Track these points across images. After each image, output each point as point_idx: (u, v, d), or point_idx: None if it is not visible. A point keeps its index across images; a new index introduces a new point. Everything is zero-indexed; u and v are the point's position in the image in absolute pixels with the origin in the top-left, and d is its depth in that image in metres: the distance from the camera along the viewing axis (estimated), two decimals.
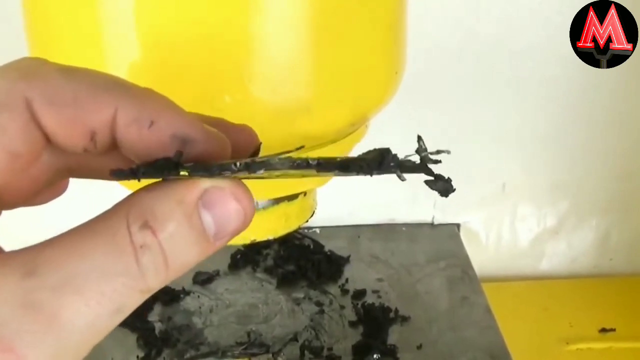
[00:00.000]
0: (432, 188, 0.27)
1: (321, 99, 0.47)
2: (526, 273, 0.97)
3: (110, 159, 0.28)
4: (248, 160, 0.26)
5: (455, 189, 0.27)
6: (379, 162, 0.27)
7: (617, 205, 0.95)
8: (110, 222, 0.25)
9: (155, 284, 0.25)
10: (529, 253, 0.97)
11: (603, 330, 0.83)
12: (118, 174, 0.26)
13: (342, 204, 0.91)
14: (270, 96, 0.46)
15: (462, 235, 0.93)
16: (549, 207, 0.95)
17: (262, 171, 0.25)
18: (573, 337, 0.82)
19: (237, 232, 0.27)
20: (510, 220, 0.95)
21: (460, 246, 0.89)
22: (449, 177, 0.27)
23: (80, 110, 0.26)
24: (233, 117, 0.45)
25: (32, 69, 0.26)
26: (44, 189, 0.29)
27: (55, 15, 0.47)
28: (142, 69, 0.45)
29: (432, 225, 0.93)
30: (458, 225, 0.94)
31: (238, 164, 0.25)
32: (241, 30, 0.44)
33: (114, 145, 0.27)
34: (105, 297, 0.24)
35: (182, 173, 0.26)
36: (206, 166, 0.26)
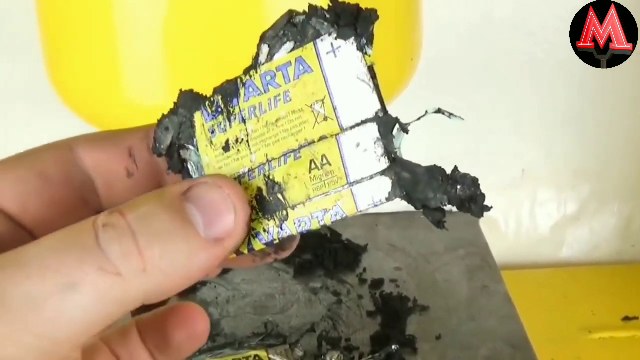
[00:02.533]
0: (427, 217, 0.27)
1: None
2: (547, 260, 0.96)
3: None
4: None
5: (445, 223, 0.26)
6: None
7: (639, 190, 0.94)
8: (80, 223, 0.24)
9: (127, 269, 0.23)
10: (550, 240, 0.96)
11: (626, 318, 0.82)
12: (160, 120, 0.28)
13: None
14: None
15: (481, 222, 0.92)
16: (569, 193, 0.94)
17: (266, 48, 0.27)
18: (595, 326, 0.81)
19: (235, 230, 0.26)
20: (530, 206, 0.94)
21: (479, 234, 0.88)
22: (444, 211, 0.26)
23: (115, 135, 0.28)
24: None
25: None
26: None
27: (69, 9, 0.47)
28: (155, 58, 0.45)
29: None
30: None
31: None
32: (253, 19, 0.44)
33: (153, 173, 0.29)
34: (50, 269, 0.23)
35: (209, 95, 0.28)
36: (224, 82, 0.28)
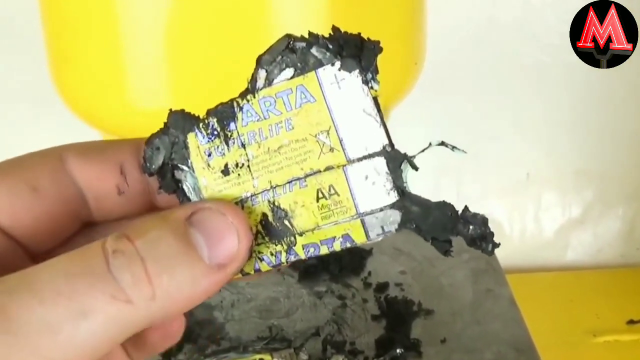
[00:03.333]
0: (435, 247, 0.28)
1: None
2: (551, 264, 0.96)
3: None
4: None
5: (452, 252, 0.28)
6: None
7: None
8: (88, 246, 0.24)
9: (137, 296, 0.24)
10: (554, 243, 0.96)
11: (631, 321, 0.82)
12: (150, 139, 0.28)
13: None
14: None
15: None
16: (573, 196, 0.94)
17: (263, 73, 0.27)
18: (600, 329, 0.81)
19: (239, 255, 0.26)
20: (535, 210, 0.94)
21: None
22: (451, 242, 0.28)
23: (106, 149, 0.27)
24: None
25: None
26: None
27: (72, 12, 0.47)
28: (159, 62, 0.45)
29: None
30: None
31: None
32: (257, 22, 0.44)
33: (144, 192, 0.28)
34: (62, 295, 0.23)
35: (202, 117, 0.28)
36: (219, 104, 0.28)
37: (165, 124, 0.28)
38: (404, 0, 0.50)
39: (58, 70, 0.51)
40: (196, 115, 0.28)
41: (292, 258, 0.28)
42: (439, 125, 0.88)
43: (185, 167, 0.28)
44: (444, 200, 0.28)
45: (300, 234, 0.28)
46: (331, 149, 0.27)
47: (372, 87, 0.27)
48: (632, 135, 0.89)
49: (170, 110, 0.28)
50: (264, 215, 0.28)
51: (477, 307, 0.74)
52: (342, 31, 0.27)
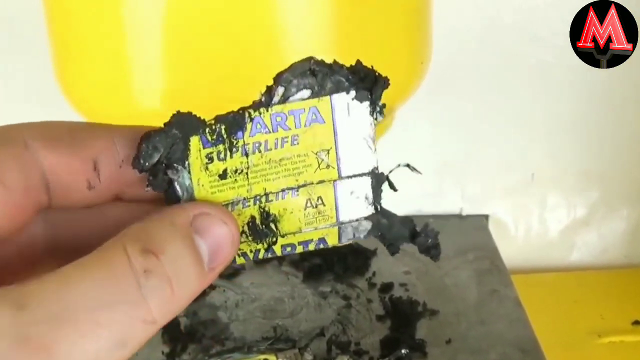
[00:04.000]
0: (387, 249, 0.33)
1: None
2: (556, 264, 0.95)
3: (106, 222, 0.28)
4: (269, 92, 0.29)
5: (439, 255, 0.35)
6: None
7: None
8: (106, 251, 0.24)
9: (161, 315, 0.24)
10: (559, 244, 0.95)
11: (636, 322, 0.81)
12: (135, 158, 0.27)
13: None
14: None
15: (491, 226, 0.92)
16: (578, 197, 0.93)
17: (281, 89, 0.28)
18: (605, 330, 0.80)
19: (228, 260, 0.27)
20: (540, 210, 0.94)
21: (488, 238, 0.87)
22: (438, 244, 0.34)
23: (79, 141, 0.26)
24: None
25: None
26: None
27: (77, 11, 0.47)
28: (163, 61, 0.45)
29: (460, 216, 0.92)
30: (486, 217, 0.93)
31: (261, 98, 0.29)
32: (263, 21, 0.44)
33: (117, 187, 0.28)
34: (103, 327, 0.23)
35: (209, 122, 0.28)
36: (228, 113, 0.29)
37: (168, 123, 0.28)
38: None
39: (62, 69, 0.51)
40: (203, 119, 0.28)
41: (269, 255, 0.30)
42: (443, 126, 0.88)
43: (180, 167, 0.28)
44: (407, 217, 0.32)
45: (283, 236, 0.30)
46: (327, 166, 0.30)
47: (376, 118, 0.30)
48: (637, 136, 0.89)
49: (177, 111, 0.28)
50: (252, 217, 0.30)
51: (482, 307, 0.74)
52: (364, 65, 0.29)
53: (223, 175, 0.29)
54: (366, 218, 0.31)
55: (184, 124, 0.28)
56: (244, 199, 0.29)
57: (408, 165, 0.34)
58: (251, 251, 0.30)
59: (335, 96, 0.29)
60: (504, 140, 0.89)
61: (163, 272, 0.24)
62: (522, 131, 0.89)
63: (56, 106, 0.52)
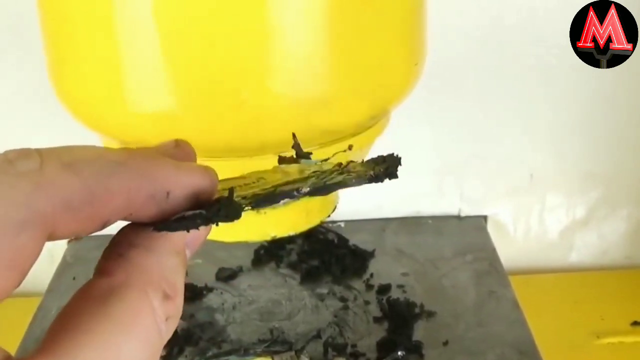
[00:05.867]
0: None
1: (339, 92, 0.47)
2: (555, 265, 0.95)
3: None
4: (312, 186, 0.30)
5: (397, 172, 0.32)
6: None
7: None
8: (133, 305, 0.24)
9: (169, 336, 0.25)
10: (558, 245, 0.95)
11: (635, 323, 0.81)
12: (161, 229, 0.26)
13: (367, 197, 0.90)
14: (288, 90, 0.46)
15: (490, 227, 0.92)
16: (578, 198, 0.93)
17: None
18: (604, 331, 0.80)
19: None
20: (539, 211, 0.94)
21: (487, 239, 0.87)
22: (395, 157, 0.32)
23: (96, 204, 0.24)
24: (252, 112, 0.45)
25: (39, 173, 0.23)
26: None
27: (71, 6, 0.47)
28: (158, 65, 0.45)
29: (458, 217, 0.92)
30: (485, 218, 0.93)
31: (303, 190, 0.29)
32: (258, 23, 0.44)
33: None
34: None
35: (246, 209, 0.28)
36: (267, 197, 0.29)
37: (212, 216, 0.27)
38: (404, 1, 0.50)
39: (57, 74, 0.51)
40: (239, 207, 0.28)
41: None
42: (443, 126, 0.87)
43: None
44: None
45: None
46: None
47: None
48: (638, 136, 0.89)
49: (217, 207, 0.27)
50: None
51: (480, 309, 0.74)
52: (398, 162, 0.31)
53: None
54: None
55: (221, 215, 0.27)
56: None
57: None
58: None
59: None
60: (503, 141, 0.89)
61: (178, 312, 0.25)
62: (521, 132, 0.89)
63: (54, 108, 0.52)
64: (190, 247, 0.27)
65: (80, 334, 0.23)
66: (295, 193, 0.28)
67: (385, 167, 0.31)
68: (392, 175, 0.31)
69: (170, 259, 0.26)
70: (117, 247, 0.26)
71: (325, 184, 0.29)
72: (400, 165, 0.31)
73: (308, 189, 0.29)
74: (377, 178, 0.30)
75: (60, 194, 0.23)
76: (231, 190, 0.27)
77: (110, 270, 0.25)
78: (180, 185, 0.26)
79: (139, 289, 0.24)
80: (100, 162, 0.25)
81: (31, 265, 0.23)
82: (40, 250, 0.23)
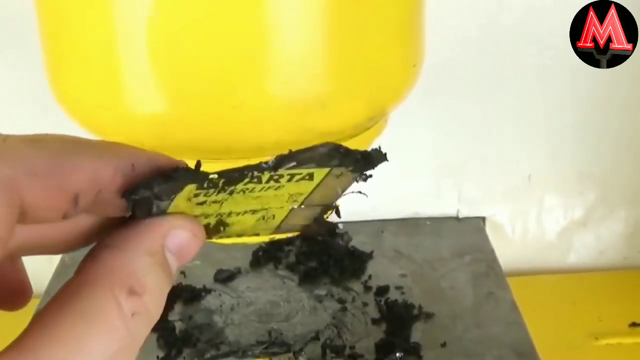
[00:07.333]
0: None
1: (336, 93, 0.47)
2: (553, 266, 0.95)
3: (67, 230, 0.28)
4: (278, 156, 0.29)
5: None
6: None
7: None
8: (98, 300, 0.25)
9: (142, 340, 0.25)
10: (556, 246, 0.95)
11: (633, 324, 0.81)
12: (130, 193, 0.27)
13: (365, 199, 0.90)
14: (284, 91, 0.46)
15: (488, 228, 0.91)
16: (576, 199, 0.93)
17: (292, 163, 0.29)
18: (602, 332, 0.80)
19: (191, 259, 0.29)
20: (537, 212, 0.94)
21: (485, 240, 0.87)
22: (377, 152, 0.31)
23: (62, 175, 0.25)
24: (248, 113, 0.45)
25: (1, 146, 0.25)
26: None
27: (67, 8, 0.47)
28: (155, 66, 0.45)
29: (457, 219, 0.92)
30: (483, 219, 0.93)
31: (269, 161, 0.29)
32: (254, 24, 0.44)
33: (90, 210, 0.27)
34: None
35: (211, 176, 0.28)
36: (234, 170, 0.29)
37: (169, 175, 0.28)
38: (402, 2, 0.50)
39: (54, 76, 0.51)
40: (206, 174, 0.28)
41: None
42: (441, 127, 0.87)
43: (167, 200, 0.28)
44: (336, 226, 0.33)
45: (227, 237, 0.32)
46: (294, 201, 0.32)
47: (357, 180, 0.31)
48: (635, 137, 0.89)
49: (186, 167, 0.28)
50: (208, 224, 0.31)
51: (478, 310, 0.74)
52: (379, 152, 0.30)
53: (201, 204, 0.29)
54: (302, 225, 0.34)
55: (187, 177, 0.28)
56: (209, 214, 0.30)
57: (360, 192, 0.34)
58: None
59: (335, 169, 0.30)
60: (501, 142, 0.89)
61: (146, 309, 0.25)
62: (520, 133, 0.89)
63: (54, 106, 0.52)
64: (178, 256, 0.28)
65: (46, 329, 0.23)
66: (263, 165, 0.28)
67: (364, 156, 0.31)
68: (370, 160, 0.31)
69: (142, 258, 0.26)
70: (93, 249, 0.27)
71: (291, 152, 0.29)
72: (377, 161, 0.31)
73: (274, 161, 0.29)
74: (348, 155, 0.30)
75: (23, 162, 0.25)
76: (199, 162, 0.29)
77: (82, 270, 0.26)
78: (144, 157, 0.28)
79: (104, 285, 0.25)
80: (63, 140, 0.27)
81: (6, 237, 0.24)
82: (13, 220, 0.24)
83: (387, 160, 0.31)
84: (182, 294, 0.76)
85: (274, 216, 0.32)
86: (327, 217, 0.34)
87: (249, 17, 0.43)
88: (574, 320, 0.82)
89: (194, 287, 0.77)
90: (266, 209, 0.32)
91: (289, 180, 0.30)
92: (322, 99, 0.47)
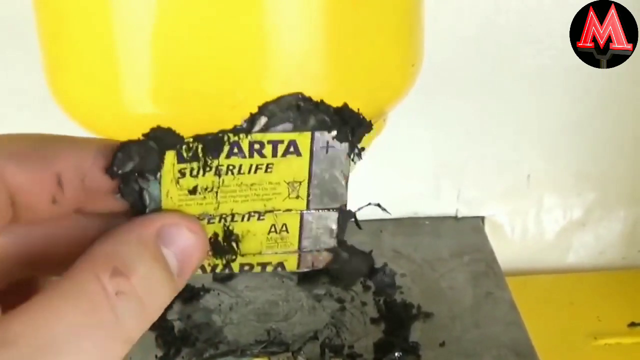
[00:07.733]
0: (337, 280, 0.32)
1: (334, 93, 0.46)
2: (552, 266, 0.95)
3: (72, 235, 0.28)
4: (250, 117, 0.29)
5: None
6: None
7: None
8: (78, 278, 0.24)
9: (135, 332, 0.25)
10: (555, 246, 0.95)
11: (632, 324, 0.81)
12: (111, 166, 0.27)
13: (364, 199, 0.90)
14: (283, 91, 0.45)
15: (487, 228, 0.91)
16: (575, 199, 0.93)
17: (264, 119, 0.28)
18: (601, 332, 0.80)
19: (197, 266, 0.28)
20: (536, 212, 0.94)
21: (484, 240, 0.87)
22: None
23: (43, 156, 0.26)
24: (247, 113, 0.45)
25: None
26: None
27: (66, 8, 0.47)
28: (154, 66, 0.45)
29: (456, 218, 0.92)
30: (482, 219, 0.93)
31: (244, 123, 0.28)
32: (253, 24, 0.44)
33: (80, 201, 0.27)
34: (87, 353, 0.23)
35: (186, 140, 0.28)
36: (209, 134, 0.28)
37: (145, 135, 0.28)
38: (401, 1, 0.50)
39: (54, 76, 0.51)
40: (181, 136, 0.28)
41: (226, 271, 0.31)
42: (440, 127, 0.87)
43: (152, 177, 0.28)
44: (367, 253, 0.34)
45: (242, 255, 0.31)
46: (297, 196, 0.31)
47: (353, 160, 0.31)
48: (634, 137, 0.89)
49: (158, 126, 0.28)
50: (215, 234, 0.30)
51: (477, 310, 0.74)
52: (349, 108, 0.30)
53: (193, 191, 0.29)
54: (327, 249, 0.32)
55: (162, 138, 0.28)
56: (210, 215, 0.30)
57: (379, 205, 0.36)
58: (209, 264, 0.31)
59: (317, 133, 0.29)
60: (500, 142, 0.89)
61: (134, 292, 0.25)
62: (519, 132, 0.89)
63: (53, 106, 0.52)
64: (179, 256, 0.27)
65: (24, 306, 0.23)
66: (237, 127, 0.28)
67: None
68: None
69: (130, 243, 0.26)
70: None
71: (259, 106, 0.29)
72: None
73: (246, 120, 0.29)
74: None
75: (4, 147, 0.25)
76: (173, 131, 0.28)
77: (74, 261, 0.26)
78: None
79: (87, 268, 0.25)
80: (43, 134, 0.27)
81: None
82: (6, 199, 0.25)
83: (368, 123, 0.30)
84: (180, 293, 0.75)
85: (286, 227, 0.31)
86: (345, 231, 0.33)
87: (247, 18, 0.43)
88: (573, 320, 0.82)
89: (193, 286, 0.77)
90: (272, 212, 0.31)
91: (274, 155, 0.29)
92: (321, 99, 0.47)
